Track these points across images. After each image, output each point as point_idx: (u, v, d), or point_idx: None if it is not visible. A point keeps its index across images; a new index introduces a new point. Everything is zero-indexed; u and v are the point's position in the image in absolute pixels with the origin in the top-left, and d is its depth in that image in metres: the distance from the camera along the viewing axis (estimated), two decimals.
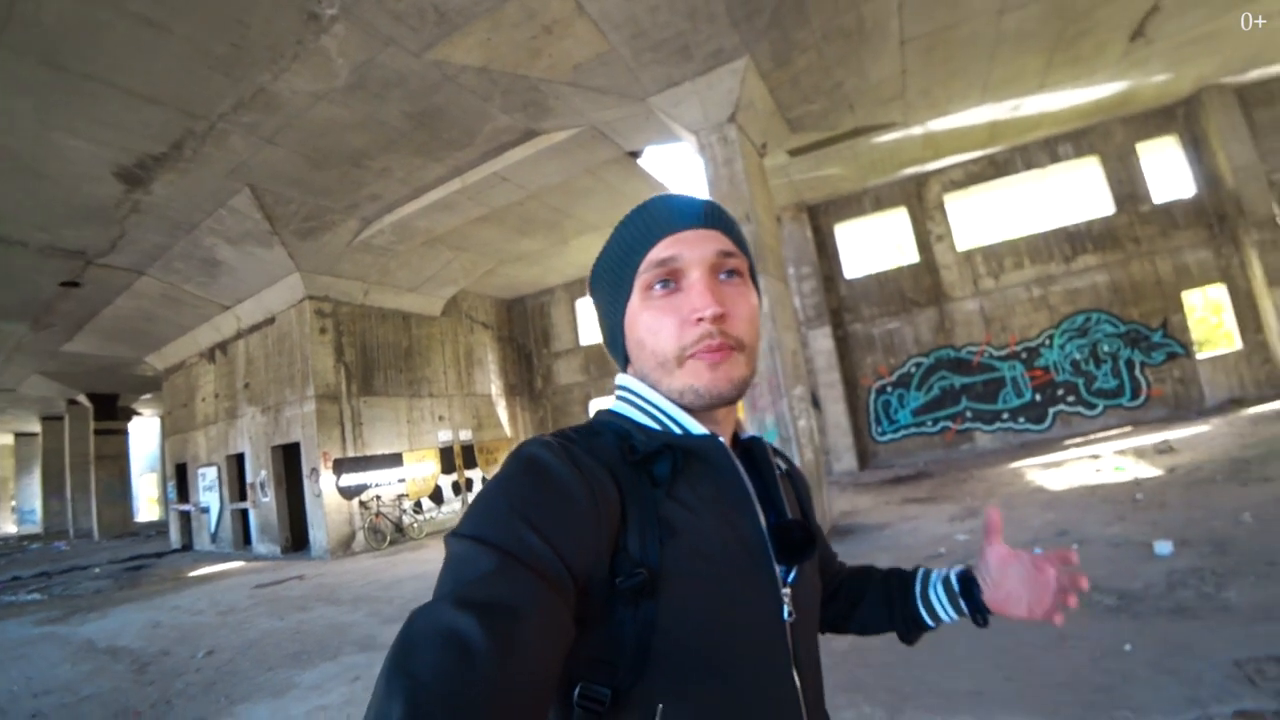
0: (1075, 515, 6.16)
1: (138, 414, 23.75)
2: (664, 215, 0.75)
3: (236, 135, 7.18)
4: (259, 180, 8.24)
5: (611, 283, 0.78)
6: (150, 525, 23.36)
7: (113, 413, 21.39)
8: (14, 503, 32.35)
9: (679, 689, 0.63)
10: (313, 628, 6.21)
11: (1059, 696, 2.95)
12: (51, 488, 24.53)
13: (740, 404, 0.76)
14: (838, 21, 6.71)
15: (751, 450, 0.82)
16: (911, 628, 0.99)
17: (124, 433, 22.11)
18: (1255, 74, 10.77)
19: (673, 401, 0.75)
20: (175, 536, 15.68)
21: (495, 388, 15.73)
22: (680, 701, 0.63)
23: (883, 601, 1.00)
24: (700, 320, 0.70)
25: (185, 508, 15.20)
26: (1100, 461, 8.63)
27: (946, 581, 0.95)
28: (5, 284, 10.58)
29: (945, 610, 0.95)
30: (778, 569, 0.72)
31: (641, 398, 0.77)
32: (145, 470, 29.01)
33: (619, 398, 0.81)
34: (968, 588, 0.92)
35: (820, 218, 13.52)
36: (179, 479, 15.46)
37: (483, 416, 15.06)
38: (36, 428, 25.88)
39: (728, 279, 0.75)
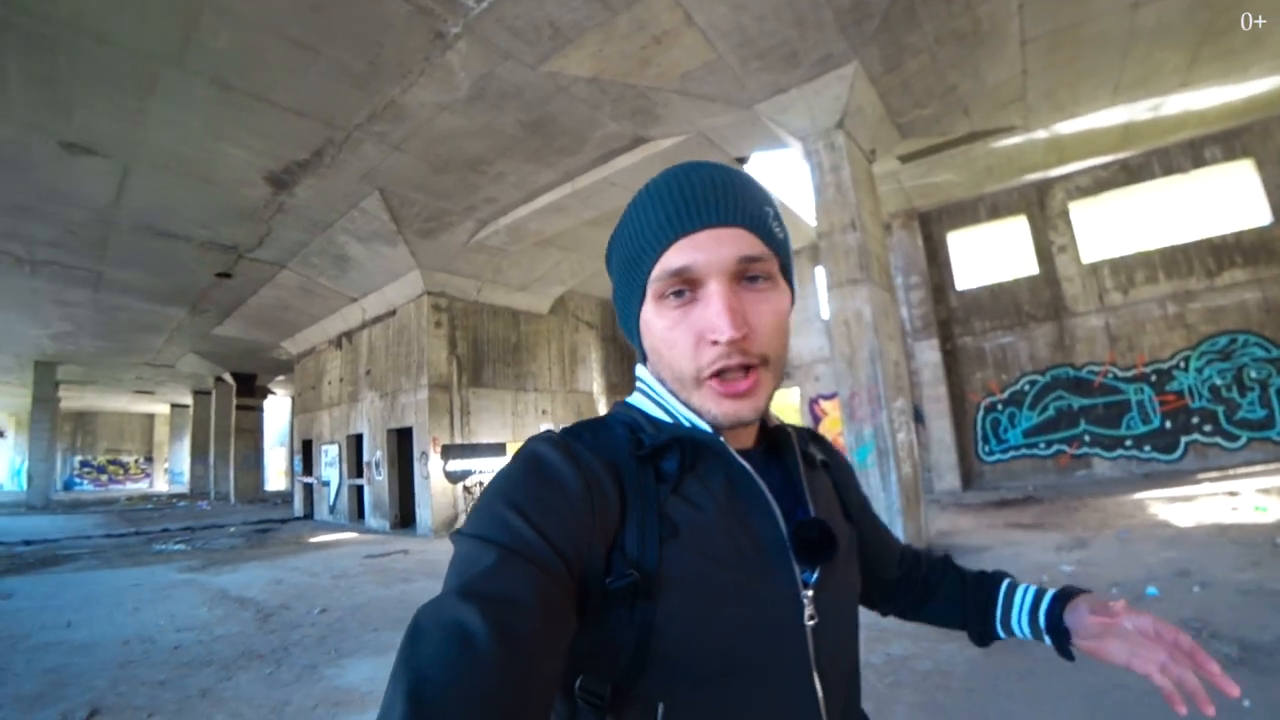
0: (1201, 555, 5.68)
1: (272, 393, 26.12)
2: (676, 207, 0.67)
3: (369, 143, 7.83)
4: (387, 184, 8.93)
5: (624, 278, 0.73)
6: (277, 494, 25.57)
7: (251, 391, 23.70)
8: (166, 464, 36.45)
9: (680, 689, 0.62)
10: (414, 597, 6.70)
11: None
12: (198, 454, 27.48)
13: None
14: (952, 24, 6.50)
15: (777, 442, 0.80)
16: (984, 635, 0.95)
17: (260, 409, 24.40)
18: None
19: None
20: (298, 505, 17.19)
21: (597, 385, 16.17)
22: (682, 702, 0.62)
23: (958, 602, 0.97)
24: (717, 343, 0.65)
25: (309, 480, 16.60)
26: (1238, 499, 7.86)
27: (1035, 607, 0.88)
28: (171, 273, 12.00)
29: (1022, 629, 0.89)
30: (798, 570, 0.69)
31: (655, 392, 0.75)
32: (275, 444, 31.75)
33: (637, 389, 0.80)
34: (1056, 621, 0.84)
35: (932, 225, 13.00)
36: (305, 454, 16.92)
37: (584, 412, 15.52)
38: (188, 400, 28.94)
39: (751, 284, 0.68)
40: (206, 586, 7.84)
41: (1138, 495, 9.10)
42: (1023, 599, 0.90)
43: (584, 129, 7.84)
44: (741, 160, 8.80)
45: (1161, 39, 7.64)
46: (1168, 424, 10.99)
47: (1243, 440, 10.52)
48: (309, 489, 16.70)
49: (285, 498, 23.17)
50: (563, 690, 0.64)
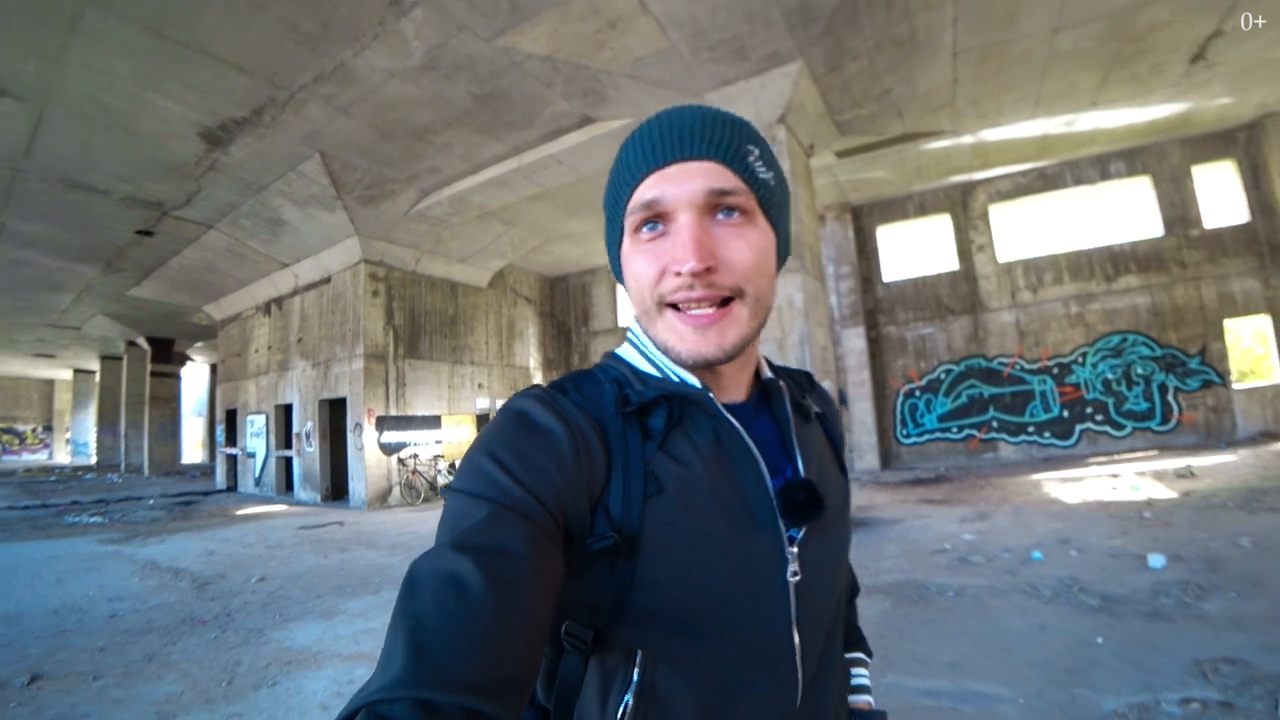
0: (1081, 527, 6.38)
1: (191, 360, 24.92)
2: (652, 143, 0.67)
3: (314, 105, 7.66)
4: (329, 148, 8.75)
5: (609, 215, 0.74)
6: (195, 466, 24.55)
7: (169, 357, 22.57)
8: (68, 435, 34.27)
9: (659, 639, 0.63)
10: (354, 566, 6.76)
11: (1028, 673, 3.26)
12: (106, 423, 25.99)
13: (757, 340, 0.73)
14: (891, 31, 6.90)
15: (770, 394, 0.78)
16: None
17: (177, 377, 23.29)
18: None
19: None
20: (221, 478, 16.62)
21: (534, 361, 16.25)
22: (659, 649, 0.63)
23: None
24: (680, 274, 0.64)
25: (233, 451, 16.08)
26: (1118, 481, 8.75)
27: None
28: (84, 228, 11.31)
29: None
30: (784, 528, 0.69)
31: (642, 342, 0.75)
32: (192, 414, 30.35)
33: (627, 339, 0.79)
34: None
35: (863, 219, 13.65)
36: (229, 424, 16.35)
37: (520, 387, 15.53)
38: (94, 365, 27.28)
39: (725, 218, 0.66)
40: (133, 558, 7.63)
41: (1036, 476, 9.96)
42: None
43: (534, 106, 7.92)
44: None
45: (1077, 61, 8.29)
46: (1065, 413, 12.00)
47: (1128, 429, 11.61)
48: (233, 460, 16.18)
49: (204, 470, 22.32)
50: (550, 633, 0.64)
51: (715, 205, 0.66)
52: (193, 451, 29.54)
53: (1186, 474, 8.60)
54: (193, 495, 14.74)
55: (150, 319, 18.92)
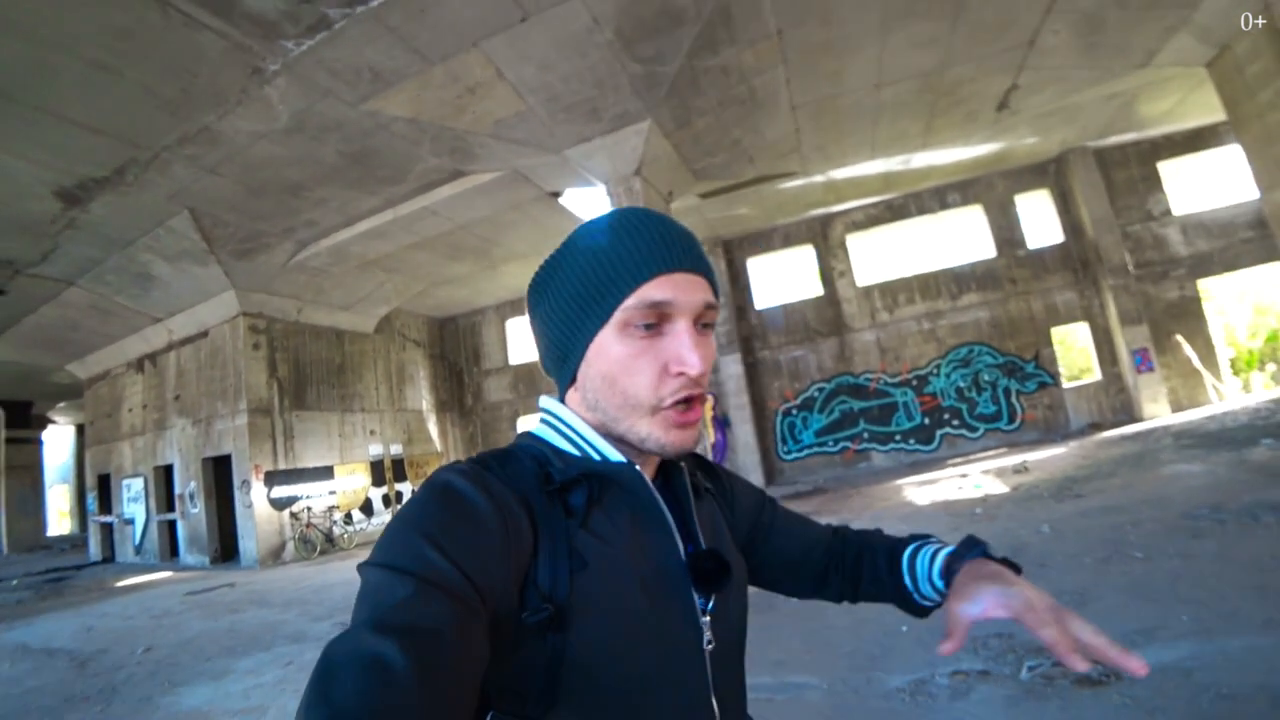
0: (924, 525, 7.14)
1: (52, 422, 23.00)
2: (657, 246, 0.70)
3: (179, 165, 7.64)
4: (198, 204, 8.68)
5: (581, 304, 0.72)
6: (63, 538, 22.57)
7: (26, 421, 20.71)
8: None
9: (590, 717, 0.63)
10: (246, 626, 6.70)
11: (838, 663, 3.82)
12: None
13: None
14: (731, 91, 7.68)
15: (670, 475, 0.82)
16: (914, 611, 0.96)
17: (37, 441, 21.42)
18: (1111, 140, 12.36)
19: (607, 435, 0.75)
20: (95, 549, 15.46)
21: (426, 403, 16.20)
22: None
23: (883, 584, 0.97)
24: (682, 374, 0.69)
25: (108, 519, 15.05)
26: (966, 480, 9.75)
27: (930, 574, 0.89)
28: None
29: (931, 597, 0.91)
30: (696, 598, 0.72)
31: (565, 423, 0.77)
32: (57, 481, 27.88)
33: (542, 420, 0.80)
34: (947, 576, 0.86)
35: (734, 251, 14.61)
36: (101, 490, 15.29)
37: (413, 431, 15.50)
38: None
39: (702, 331, 0.73)
40: None
41: (899, 481, 10.94)
42: (923, 570, 0.90)
43: (404, 162, 8.22)
44: (556, 194, 9.56)
45: (901, 112, 9.41)
46: (926, 420, 13.22)
47: (980, 431, 12.93)
48: (109, 529, 15.13)
49: (75, 541, 20.57)
50: None
51: (702, 318, 0.73)
52: (59, 522, 27.07)
53: (1021, 469, 9.67)
54: (63, 570, 13.70)
55: (3, 381, 17.45)
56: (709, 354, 0.71)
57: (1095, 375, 12.89)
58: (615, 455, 0.73)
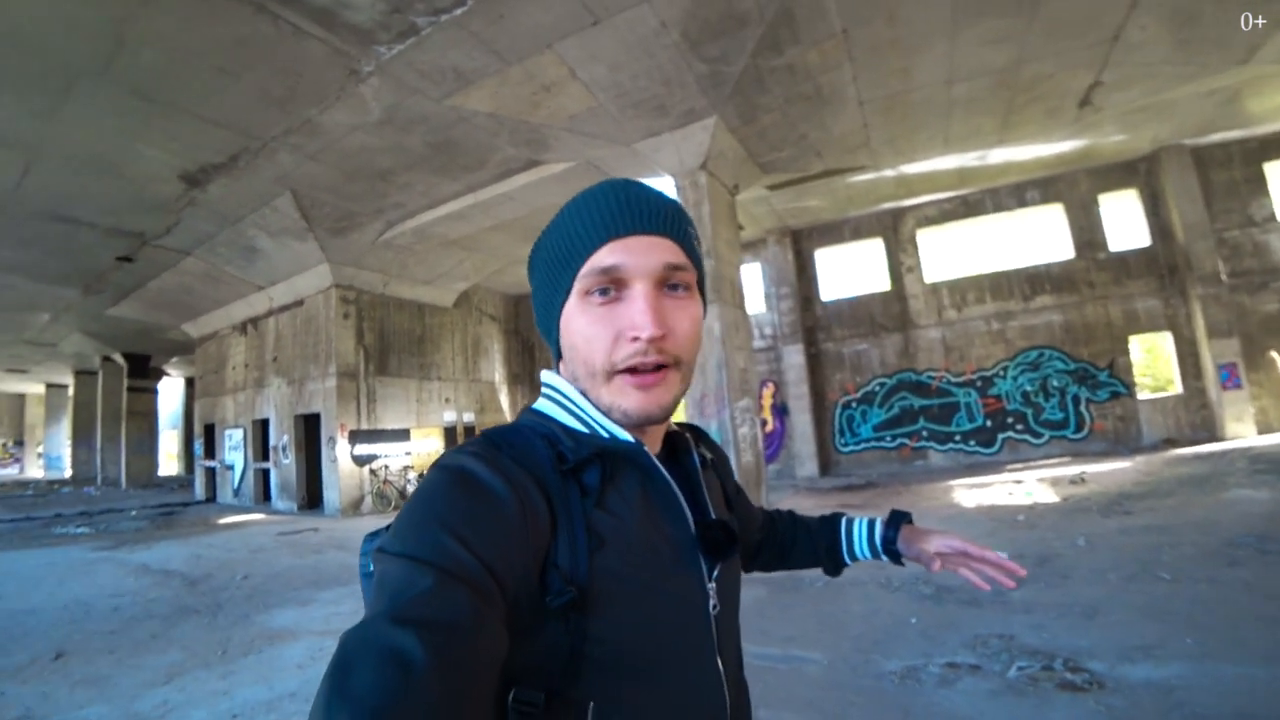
0: (958, 528, 7.25)
1: (167, 374, 25.18)
2: (612, 213, 0.71)
3: (284, 152, 8.46)
4: (300, 187, 9.54)
5: (549, 276, 0.75)
6: (172, 478, 24.84)
7: (144, 372, 22.83)
8: (40, 449, 33.48)
9: (612, 689, 0.65)
10: (327, 566, 7.58)
11: (842, 644, 4.14)
12: (80, 437, 25.84)
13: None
14: (797, 89, 7.83)
15: (676, 447, 0.84)
16: (836, 566, 1.16)
17: (154, 391, 23.50)
18: (1212, 138, 11.66)
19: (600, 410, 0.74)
20: (200, 489, 17.22)
21: (499, 375, 17.05)
22: (613, 700, 0.65)
23: (811, 548, 1.16)
24: (636, 339, 0.68)
25: (211, 464, 16.68)
26: (1019, 486, 9.63)
27: (870, 535, 1.12)
28: (67, 255, 11.94)
29: (864, 554, 1.12)
30: (704, 566, 0.75)
31: (569, 399, 0.77)
32: (168, 427, 30.57)
33: (545, 396, 0.81)
34: (889, 543, 1.09)
35: (803, 242, 14.66)
36: (207, 438, 16.95)
37: (485, 401, 16.38)
38: (67, 380, 27.12)
39: (671, 292, 0.72)
40: (125, 563, 8.34)
41: (952, 482, 10.90)
42: (860, 531, 1.12)
43: (484, 152, 8.78)
44: None
45: (975, 108, 9.24)
46: (989, 423, 13.01)
47: (1045, 438, 12.64)
48: (212, 473, 16.77)
49: (181, 482, 22.73)
50: (495, 703, 0.60)
51: (666, 279, 0.72)
52: (168, 464, 29.79)
53: (1078, 480, 9.46)
54: (173, 506, 15.29)
55: (127, 336, 19.36)
56: (681, 318, 0.72)
57: (1176, 388, 12.33)
58: (623, 434, 0.74)
